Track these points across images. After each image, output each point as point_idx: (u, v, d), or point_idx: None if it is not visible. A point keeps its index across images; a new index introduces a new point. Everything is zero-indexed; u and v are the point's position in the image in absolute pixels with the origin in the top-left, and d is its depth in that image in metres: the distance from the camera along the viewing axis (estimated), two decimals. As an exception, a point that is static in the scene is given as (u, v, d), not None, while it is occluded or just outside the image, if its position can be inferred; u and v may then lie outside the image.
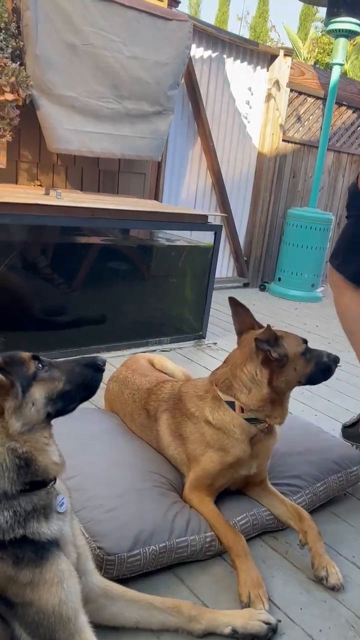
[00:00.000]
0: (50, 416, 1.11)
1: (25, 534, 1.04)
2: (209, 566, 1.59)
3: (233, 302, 1.80)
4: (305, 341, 1.71)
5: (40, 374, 1.10)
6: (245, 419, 1.64)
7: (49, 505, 1.10)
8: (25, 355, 1.11)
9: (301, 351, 1.68)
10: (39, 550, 1.05)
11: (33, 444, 1.07)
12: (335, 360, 1.76)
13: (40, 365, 1.12)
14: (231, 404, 1.66)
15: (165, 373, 2.16)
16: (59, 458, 1.13)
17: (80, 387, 1.16)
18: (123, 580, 1.41)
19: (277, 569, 1.61)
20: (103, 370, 1.21)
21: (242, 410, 1.65)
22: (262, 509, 1.74)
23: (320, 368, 1.72)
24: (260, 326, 1.78)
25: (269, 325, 1.63)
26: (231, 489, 1.78)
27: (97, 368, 1.20)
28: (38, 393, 1.09)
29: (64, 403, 1.13)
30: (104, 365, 1.21)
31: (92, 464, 1.75)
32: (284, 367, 1.64)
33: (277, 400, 1.66)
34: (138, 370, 2.10)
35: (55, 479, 1.14)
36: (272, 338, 1.62)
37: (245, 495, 1.79)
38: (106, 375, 2.46)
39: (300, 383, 1.71)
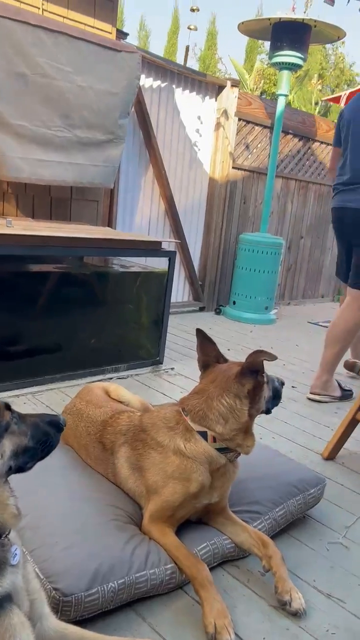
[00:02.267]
0: (10, 471, 1.07)
1: None
2: (171, 600, 1.56)
3: (200, 334, 1.80)
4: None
5: (12, 426, 1.06)
6: (217, 449, 1.64)
7: (4, 559, 1.05)
8: (0, 403, 1.07)
9: (266, 379, 1.70)
10: None
11: None
12: (282, 384, 1.79)
13: (11, 416, 1.07)
14: (203, 434, 1.65)
15: (121, 402, 2.12)
16: (16, 510, 1.08)
17: (41, 445, 1.12)
18: (81, 622, 1.36)
19: (239, 599, 1.59)
20: (63, 431, 1.17)
21: (214, 440, 1.64)
22: (223, 537, 1.72)
23: (276, 394, 1.75)
24: (225, 359, 1.79)
25: (258, 350, 1.64)
26: (192, 519, 1.76)
27: (59, 428, 1.16)
28: (7, 446, 1.04)
29: (24, 459, 1.09)
30: (65, 425, 1.18)
31: (47, 500, 1.69)
32: (257, 395, 1.66)
33: (248, 429, 1.68)
34: (92, 401, 2.06)
35: (10, 531, 1.09)
36: (261, 364, 1.64)
37: (205, 524, 1.77)
38: (60, 407, 2.42)
39: (262, 411, 1.73)
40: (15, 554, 1.08)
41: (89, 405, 2.04)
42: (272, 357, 1.64)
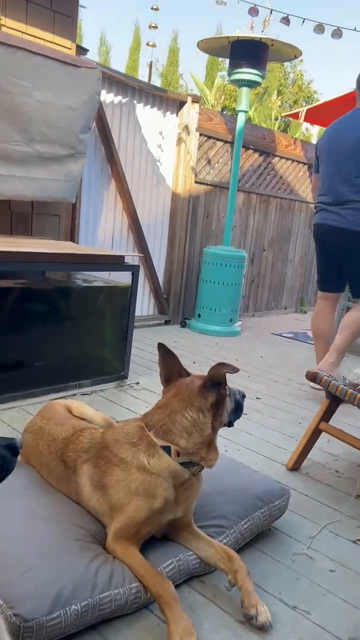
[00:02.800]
0: None
1: None
2: (136, 620, 1.53)
3: (162, 348, 1.79)
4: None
5: None
6: (180, 463, 1.63)
7: None
8: None
9: (228, 392, 1.71)
10: None
11: None
12: (243, 397, 1.80)
13: None
14: (166, 449, 1.64)
15: (84, 419, 2.09)
16: None
17: None
18: (43, 648, 1.32)
19: (206, 615, 1.57)
20: (18, 454, 1.14)
21: (178, 455, 1.63)
22: (189, 553, 1.71)
23: (238, 407, 1.76)
24: (188, 373, 1.79)
25: (220, 363, 1.64)
26: (156, 536, 1.74)
27: (15, 451, 1.13)
28: None
29: None
30: (21, 447, 1.14)
31: (7, 522, 1.64)
32: (220, 408, 1.67)
33: (212, 442, 1.68)
34: (54, 419, 2.02)
35: None
36: (224, 377, 1.65)
37: (170, 540, 1.75)
38: (21, 426, 2.37)
39: (225, 424, 1.73)
40: None
41: (51, 423, 2.01)
42: (234, 370, 1.65)
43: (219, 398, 1.67)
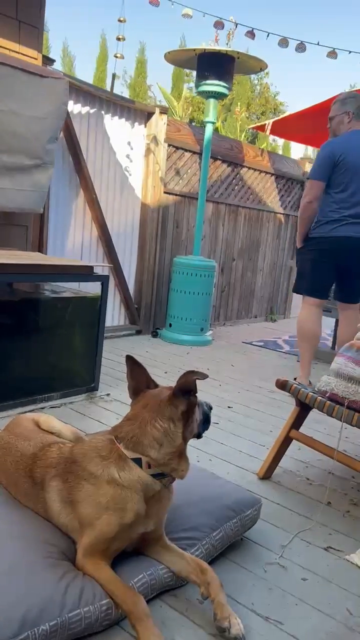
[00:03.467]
0: None
1: None
2: (107, 638, 1.50)
3: (130, 360, 1.77)
4: None
5: None
6: (152, 475, 1.62)
7: None
8: None
9: (197, 401, 1.70)
10: None
11: None
12: (210, 409, 1.80)
13: None
14: (137, 461, 1.62)
15: (53, 433, 2.05)
16: None
17: None
18: (10, 672, 1.28)
19: (178, 630, 1.55)
20: None
21: (149, 466, 1.61)
22: (160, 567, 1.68)
23: (206, 418, 1.76)
24: (156, 385, 1.78)
25: (189, 371, 1.63)
26: (127, 550, 1.71)
27: None
28: None
29: None
30: None
31: (-27, 541, 1.60)
32: (190, 417, 1.66)
33: (183, 452, 1.67)
34: (21, 434, 1.98)
35: None
36: (193, 385, 1.64)
37: (142, 554, 1.73)
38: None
39: (194, 435, 1.72)
40: None
41: (18, 438, 1.96)
42: (204, 376, 1.65)
43: (189, 406, 1.66)
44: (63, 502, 1.70)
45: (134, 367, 1.77)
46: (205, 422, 1.75)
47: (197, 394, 1.69)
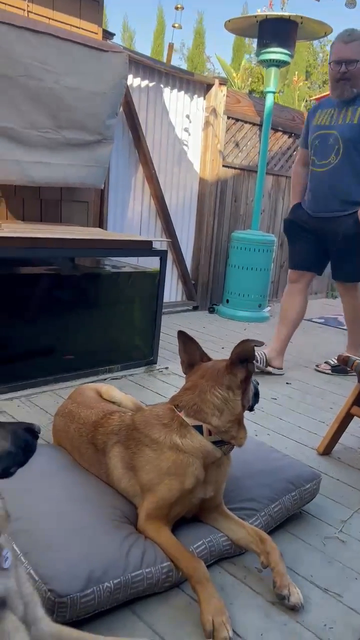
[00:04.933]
0: None
1: None
2: (167, 599, 1.55)
3: (182, 336, 1.81)
4: None
5: None
6: (212, 442, 1.65)
7: None
8: None
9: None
10: None
11: None
12: (257, 384, 1.81)
13: None
14: (198, 428, 1.65)
15: (114, 402, 2.12)
16: (4, 513, 1.07)
17: (21, 450, 1.13)
18: (77, 623, 1.35)
19: (236, 595, 1.58)
20: (38, 438, 1.19)
21: (210, 434, 1.64)
22: (219, 535, 1.72)
23: (256, 392, 1.77)
24: (209, 358, 1.80)
25: (246, 339, 1.65)
26: (187, 517, 1.75)
27: (35, 435, 1.18)
28: None
29: (7, 463, 1.09)
30: (39, 432, 1.20)
31: (41, 502, 1.68)
32: (247, 385, 1.69)
33: (241, 420, 1.70)
34: (84, 403, 2.05)
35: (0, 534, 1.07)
36: (251, 352, 1.66)
37: (201, 522, 1.76)
38: (54, 409, 2.41)
39: (248, 407, 1.74)
40: (7, 557, 1.07)
41: (80, 406, 2.04)
42: (260, 343, 1.67)
43: (247, 374, 1.67)
44: (125, 468, 1.75)
45: (187, 342, 1.81)
46: (255, 395, 1.76)
47: (254, 362, 1.70)
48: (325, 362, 3.94)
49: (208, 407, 1.65)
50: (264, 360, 3.67)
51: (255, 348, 1.67)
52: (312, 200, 3.54)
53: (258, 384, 1.81)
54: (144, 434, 1.71)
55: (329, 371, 3.86)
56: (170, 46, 5.71)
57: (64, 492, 1.76)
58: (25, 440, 1.15)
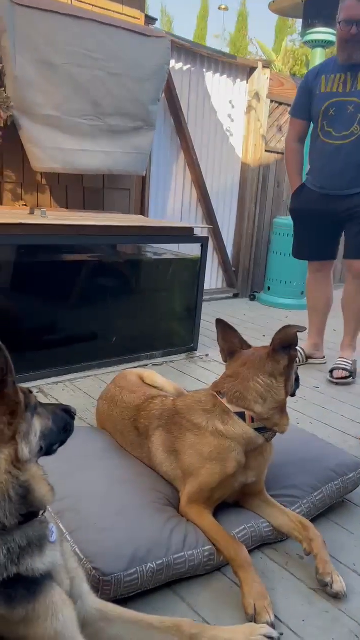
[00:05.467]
0: (41, 451, 1.10)
1: (20, 572, 1.00)
2: (209, 581, 1.57)
3: (221, 324, 1.81)
4: None
5: (39, 408, 1.11)
6: (254, 429, 1.65)
7: (44, 536, 1.07)
8: (25, 388, 1.10)
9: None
10: (32, 586, 1.01)
11: (32, 473, 1.04)
12: (297, 367, 1.79)
13: (36, 400, 1.13)
14: (240, 415, 1.65)
15: (155, 387, 2.14)
16: (50, 487, 1.11)
17: (61, 430, 1.18)
18: (121, 601, 1.39)
19: (278, 581, 1.58)
20: (74, 419, 1.24)
21: (252, 421, 1.65)
22: (261, 521, 1.72)
23: (297, 377, 1.76)
24: (249, 346, 1.80)
25: (288, 325, 1.65)
26: (229, 502, 1.76)
27: (72, 416, 1.23)
28: (37, 425, 1.08)
29: (50, 441, 1.13)
30: (76, 414, 1.26)
31: (86, 483, 1.72)
32: (290, 371, 1.68)
33: (284, 407, 1.69)
34: (126, 387, 2.08)
35: (46, 509, 1.11)
36: (294, 338, 1.66)
37: (242, 508, 1.77)
38: (97, 394, 2.46)
39: (291, 393, 1.73)
40: (52, 531, 1.11)
41: (123, 391, 2.07)
42: (302, 329, 1.66)
43: (290, 361, 1.67)
44: (167, 452, 1.77)
45: (226, 330, 1.80)
46: (296, 380, 1.75)
47: (297, 348, 1.68)
48: None
49: (251, 394, 1.65)
50: (304, 356, 3.59)
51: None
52: (321, 176, 3.20)
53: (297, 367, 1.79)
54: (186, 419, 1.73)
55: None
56: (217, 36, 5.64)
57: (108, 474, 1.79)
58: (64, 419, 1.20)
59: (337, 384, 3.24)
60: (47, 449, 1.13)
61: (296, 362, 1.75)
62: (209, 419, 1.68)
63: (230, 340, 1.80)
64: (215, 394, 1.72)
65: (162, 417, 1.83)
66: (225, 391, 1.69)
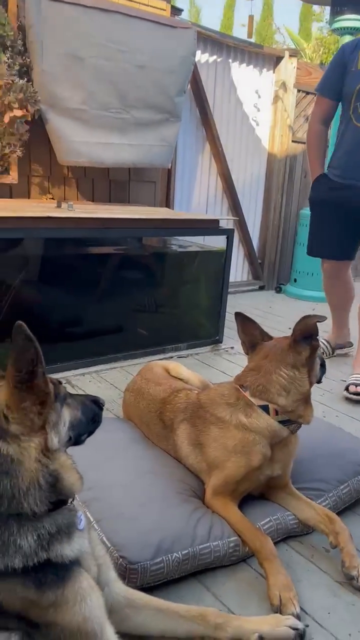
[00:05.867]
0: (70, 441, 1.12)
1: (49, 557, 1.03)
2: (234, 572, 1.58)
3: (240, 317, 1.80)
4: None
5: (67, 398, 1.13)
6: (279, 422, 1.65)
7: (73, 524, 1.09)
8: (54, 379, 1.12)
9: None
10: (60, 572, 1.04)
11: (61, 462, 1.07)
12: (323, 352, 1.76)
13: (65, 390, 1.14)
14: (264, 408, 1.65)
15: (181, 380, 2.15)
16: (79, 475, 1.13)
17: (89, 420, 1.20)
18: (147, 589, 1.40)
19: (303, 573, 1.58)
20: (102, 410, 1.26)
21: (277, 413, 1.65)
22: (286, 513, 1.72)
23: (322, 361, 1.75)
24: (270, 337, 1.78)
25: (307, 316, 1.63)
26: (254, 494, 1.76)
27: (100, 407, 1.25)
28: (66, 415, 1.10)
29: (79, 431, 1.15)
30: (104, 405, 1.27)
31: (113, 473, 1.75)
32: (313, 361, 1.67)
33: (308, 398, 1.68)
34: (152, 379, 2.10)
35: (74, 497, 1.13)
36: (315, 328, 1.64)
37: (268, 500, 1.77)
38: (123, 385, 2.48)
39: (316, 381, 1.72)
40: (81, 519, 1.13)
41: (149, 383, 2.08)
42: (322, 318, 1.64)
43: (312, 351, 1.65)
44: (192, 444, 1.78)
45: (245, 322, 1.79)
46: (321, 366, 1.73)
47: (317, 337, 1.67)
48: None
49: (274, 387, 1.65)
50: (329, 349, 3.52)
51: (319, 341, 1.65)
52: (348, 165, 2.91)
53: (323, 353, 1.78)
54: (210, 412, 1.73)
55: None
56: (250, 18, 5.59)
57: (134, 464, 1.82)
58: (92, 410, 1.21)
59: (353, 400, 2.87)
60: (76, 439, 1.15)
61: (320, 350, 1.74)
62: (232, 413, 1.68)
63: (251, 333, 1.78)
64: (238, 387, 1.72)
65: (186, 410, 1.84)
66: (248, 384, 1.69)
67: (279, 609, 1.39)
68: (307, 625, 1.36)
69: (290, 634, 1.31)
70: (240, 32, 13.65)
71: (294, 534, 1.73)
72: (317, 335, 1.67)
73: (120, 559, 1.43)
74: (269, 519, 1.68)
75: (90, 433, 1.22)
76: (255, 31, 14.04)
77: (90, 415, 1.20)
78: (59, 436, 1.06)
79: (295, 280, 5.39)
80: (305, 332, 1.64)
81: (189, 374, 2.23)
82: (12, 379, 1.00)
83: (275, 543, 1.65)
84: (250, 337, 1.79)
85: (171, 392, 1.97)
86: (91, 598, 1.06)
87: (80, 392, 2.69)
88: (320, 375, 1.75)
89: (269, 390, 1.65)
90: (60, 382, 1.14)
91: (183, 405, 1.87)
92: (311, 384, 1.67)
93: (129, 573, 1.42)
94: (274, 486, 1.75)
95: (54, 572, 1.03)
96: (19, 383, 0.99)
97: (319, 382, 1.74)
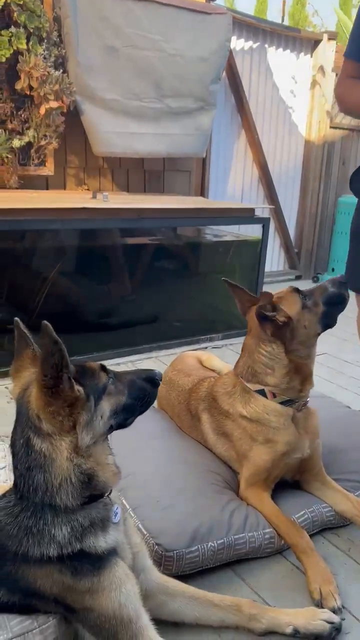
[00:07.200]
0: (111, 429, 1.12)
1: (83, 547, 1.05)
2: (270, 564, 1.57)
3: (228, 284, 1.74)
4: (297, 290, 1.63)
5: (109, 387, 1.10)
6: (280, 403, 1.62)
7: (107, 517, 1.11)
8: (96, 365, 1.11)
9: (301, 305, 1.61)
10: (96, 562, 1.06)
11: (96, 459, 1.07)
12: (341, 282, 1.65)
13: (108, 377, 1.11)
14: (261, 392, 1.63)
15: (214, 370, 2.14)
16: (116, 469, 1.13)
17: (139, 401, 1.15)
18: (182, 577, 1.41)
19: (340, 567, 1.56)
20: (159, 385, 1.20)
21: (274, 396, 1.62)
22: (322, 505, 1.70)
23: (332, 302, 1.64)
24: (257, 299, 1.70)
25: (264, 292, 1.58)
26: (288, 479, 1.74)
27: (155, 383, 1.19)
28: (106, 406, 1.09)
29: (125, 416, 1.13)
30: (160, 379, 1.20)
31: (149, 462, 1.76)
32: (293, 329, 1.59)
33: (302, 366, 1.62)
34: (183, 370, 2.10)
35: (111, 491, 1.14)
36: (270, 304, 1.57)
37: (303, 491, 1.75)
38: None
39: (318, 334, 1.65)
40: (116, 512, 1.14)
41: (180, 374, 2.09)
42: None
43: (279, 325, 1.57)
44: (216, 434, 1.79)
45: (235, 289, 1.73)
46: (334, 304, 1.63)
47: (282, 310, 1.57)
48: None
49: (259, 367, 1.61)
50: None
51: None
52: None
53: (342, 283, 1.66)
54: (218, 404, 1.74)
55: None
56: (284, 2, 5.46)
57: (169, 454, 1.83)
58: (143, 390, 1.16)
59: None
60: (121, 424, 1.13)
61: (328, 289, 1.63)
62: (231, 404, 1.68)
63: (242, 300, 1.72)
64: (237, 373, 1.71)
65: (205, 399, 1.84)
66: (240, 370, 1.67)
67: (320, 603, 1.38)
68: (343, 619, 1.35)
69: (325, 627, 1.29)
70: (274, 17, 13.35)
71: (330, 525, 1.70)
72: (278, 310, 1.57)
73: (156, 547, 1.44)
74: (304, 511, 1.67)
75: (141, 413, 1.17)
76: (289, 15, 13.72)
77: (141, 395, 1.15)
78: (93, 432, 1.05)
79: (333, 270, 5.29)
80: (261, 314, 1.57)
81: (222, 365, 2.22)
82: (39, 382, 1.00)
83: (312, 535, 1.63)
84: (242, 304, 1.73)
85: (198, 381, 1.97)
86: (126, 586, 1.08)
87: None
88: (335, 313, 1.63)
89: (257, 371, 1.63)
90: (103, 368, 1.12)
91: (203, 394, 1.87)
92: (292, 356, 1.59)
93: (164, 560, 1.43)
94: (306, 471, 1.72)
95: (90, 562, 1.05)
96: (45, 388, 0.99)
97: (332, 324, 1.65)
